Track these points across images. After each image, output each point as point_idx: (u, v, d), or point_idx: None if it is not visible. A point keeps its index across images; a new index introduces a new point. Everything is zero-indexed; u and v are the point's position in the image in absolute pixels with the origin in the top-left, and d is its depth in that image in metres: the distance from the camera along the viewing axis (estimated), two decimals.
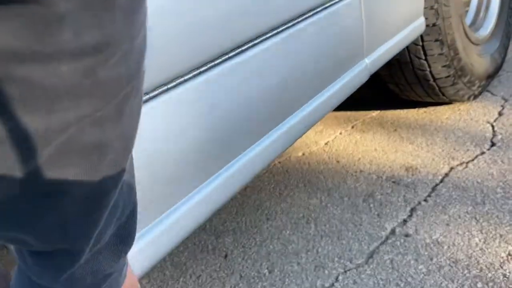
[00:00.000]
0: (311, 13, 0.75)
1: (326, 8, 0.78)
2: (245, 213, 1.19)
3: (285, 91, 0.74)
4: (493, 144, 1.22)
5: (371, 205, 1.10)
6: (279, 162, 1.39)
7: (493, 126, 1.31)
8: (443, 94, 1.35)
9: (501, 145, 1.21)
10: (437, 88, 1.32)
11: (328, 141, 1.45)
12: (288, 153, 1.43)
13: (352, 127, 1.51)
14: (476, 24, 1.47)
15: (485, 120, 1.34)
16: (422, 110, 1.49)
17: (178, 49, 0.55)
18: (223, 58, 0.61)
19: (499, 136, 1.25)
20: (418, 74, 1.28)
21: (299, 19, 0.73)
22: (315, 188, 1.23)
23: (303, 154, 1.41)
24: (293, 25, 0.72)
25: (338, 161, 1.32)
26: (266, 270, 0.99)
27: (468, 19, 1.48)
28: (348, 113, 1.59)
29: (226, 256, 1.06)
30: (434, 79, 1.29)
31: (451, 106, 1.45)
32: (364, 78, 0.92)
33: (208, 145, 0.61)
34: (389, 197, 1.11)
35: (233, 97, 0.64)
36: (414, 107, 1.50)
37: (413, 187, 1.13)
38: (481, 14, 1.50)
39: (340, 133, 1.48)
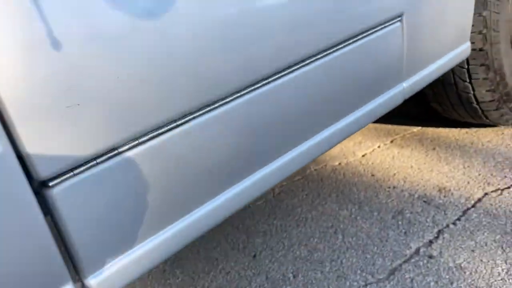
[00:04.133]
0: (354, 39, 0.79)
1: (369, 34, 0.82)
2: (277, 216, 1.25)
3: (322, 109, 0.79)
4: None
5: (400, 222, 1.13)
6: (315, 170, 1.44)
7: None
8: (486, 118, 1.34)
9: None
10: (480, 111, 1.31)
11: (365, 153, 1.48)
12: (325, 162, 1.47)
13: (392, 141, 1.52)
14: None
15: None
16: (464, 130, 1.48)
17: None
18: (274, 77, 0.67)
19: None
20: (462, 96, 1.28)
21: (343, 45, 0.78)
22: (347, 199, 1.27)
23: (340, 164, 1.44)
24: (337, 50, 0.77)
25: (373, 175, 1.35)
26: (291, 275, 1.04)
27: None
28: (389, 126, 1.61)
29: (255, 256, 1.12)
30: (478, 102, 1.28)
31: (494, 129, 1.44)
32: (399, 100, 0.95)
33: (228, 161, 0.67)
34: (418, 216, 1.14)
35: (276, 110, 0.70)
36: (456, 127, 1.50)
37: (444, 209, 1.14)
38: None
39: (379, 147, 1.51)
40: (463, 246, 1.01)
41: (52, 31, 0.46)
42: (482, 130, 1.45)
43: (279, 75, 0.69)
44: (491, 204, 1.13)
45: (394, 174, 1.33)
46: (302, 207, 1.27)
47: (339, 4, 0.75)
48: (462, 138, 1.44)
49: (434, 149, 1.42)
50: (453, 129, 1.50)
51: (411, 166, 1.36)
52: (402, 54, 0.90)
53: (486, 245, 1.00)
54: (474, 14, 1.12)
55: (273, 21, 0.66)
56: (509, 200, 1.13)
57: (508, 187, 1.18)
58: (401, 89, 0.94)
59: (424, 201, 1.19)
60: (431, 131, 1.53)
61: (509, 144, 1.36)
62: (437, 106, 1.40)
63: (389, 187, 1.28)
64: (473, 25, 1.13)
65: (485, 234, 1.03)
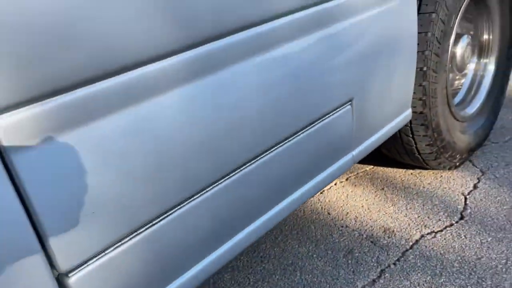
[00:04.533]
0: (311, 125, 0.96)
1: (324, 119, 0.99)
2: (243, 252, 1.41)
3: (283, 184, 0.95)
4: (462, 217, 1.42)
5: (349, 261, 1.31)
6: None
7: (466, 199, 1.50)
8: (427, 164, 1.55)
9: (468, 220, 1.41)
10: (421, 159, 1.52)
11: (323, 191, 1.66)
12: None
13: (347, 179, 1.71)
14: (465, 102, 1.66)
15: (461, 191, 1.54)
16: (409, 171, 1.69)
17: None
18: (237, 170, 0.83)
19: (469, 210, 1.45)
20: (406, 148, 1.48)
21: (301, 132, 0.94)
22: (306, 237, 1.44)
23: None
24: (297, 136, 0.94)
25: (329, 213, 1.53)
26: None
27: (459, 98, 1.67)
28: None
29: None
30: (419, 153, 1.48)
31: (435, 171, 1.65)
32: (349, 166, 1.13)
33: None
34: (365, 256, 1.32)
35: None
36: (403, 168, 1.70)
37: (387, 249, 1.33)
38: (472, 93, 1.68)
39: (335, 184, 1.69)
40: (400, 286, 1.21)
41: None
42: (424, 172, 1.66)
43: (248, 164, 0.85)
44: (426, 246, 1.33)
45: (347, 213, 1.52)
46: (266, 243, 1.44)
47: (300, 100, 0.91)
48: (407, 179, 1.65)
49: (382, 189, 1.62)
50: (400, 170, 1.70)
51: (362, 206, 1.55)
52: (351, 130, 1.08)
53: (418, 285, 1.20)
54: (415, 84, 1.31)
55: (244, 121, 0.81)
56: (441, 242, 1.33)
57: (441, 230, 1.38)
58: (351, 157, 1.12)
59: (371, 241, 1.38)
60: (381, 170, 1.72)
61: (445, 187, 1.57)
62: (387, 152, 1.59)
63: (342, 226, 1.46)
64: (414, 93, 1.32)
65: (419, 275, 1.23)
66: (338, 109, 1.02)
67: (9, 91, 0.53)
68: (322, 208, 1.56)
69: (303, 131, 0.95)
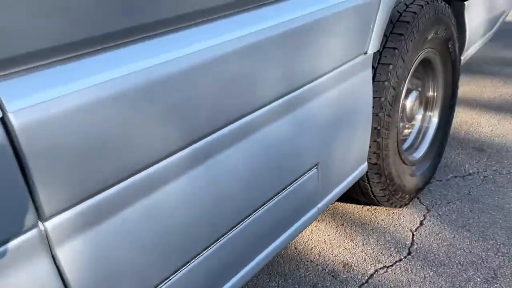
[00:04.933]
0: (281, 191, 1.14)
1: (293, 184, 1.18)
2: None
3: (259, 240, 1.13)
4: (409, 253, 1.65)
5: None
6: None
7: (413, 235, 1.73)
8: (381, 204, 1.77)
9: (414, 255, 1.64)
10: (376, 200, 1.74)
11: None
12: None
13: None
14: (413, 148, 1.90)
15: (409, 227, 1.77)
16: (365, 208, 1.91)
17: None
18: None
19: (415, 246, 1.68)
20: (363, 191, 1.70)
21: (275, 197, 1.13)
22: (275, 271, 1.62)
23: None
24: (270, 202, 1.12)
25: (296, 248, 1.73)
26: None
27: (407, 143, 1.90)
28: None
29: None
30: (374, 196, 1.70)
31: (388, 209, 1.88)
32: (315, 218, 1.32)
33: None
34: None
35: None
36: (361, 204, 1.92)
37: (346, 284, 1.54)
38: (419, 139, 1.93)
39: None
40: None
41: None
42: (379, 209, 1.89)
43: (235, 228, 1.02)
44: (378, 281, 1.54)
45: (311, 248, 1.71)
46: None
47: (275, 172, 1.09)
48: (364, 216, 1.86)
49: (342, 224, 1.83)
50: (358, 207, 1.92)
51: (324, 241, 1.75)
52: (317, 188, 1.27)
53: None
54: (371, 141, 1.52)
55: (233, 194, 0.99)
56: (392, 276, 1.55)
57: (392, 265, 1.60)
58: (317, 210, 1.31)
59: (332, 276, 1.58)
60: (341, 207, 1.94)
61: (396, 224, 1.80)
62: (351, 193, 1.81)
63: (307, 261, 1.65)
64: (370, 148, 1.54)
65: None
66: (306, 173, 1.21)
67: (63, 199, 0.68)
68: (289, 243, 1.75)
69: (278, 195, 1.13)
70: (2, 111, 0.61)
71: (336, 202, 1.96)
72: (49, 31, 0.64)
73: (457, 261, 1.58)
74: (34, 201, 0.66)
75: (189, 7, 0.83)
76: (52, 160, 0.66)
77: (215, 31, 0.88)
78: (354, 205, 1.93)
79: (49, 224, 0.69)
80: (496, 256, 1.58)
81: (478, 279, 1.50)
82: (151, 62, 0.77)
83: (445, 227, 1.75)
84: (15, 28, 0.61)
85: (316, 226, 1.83)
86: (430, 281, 1.51)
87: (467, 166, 2.13)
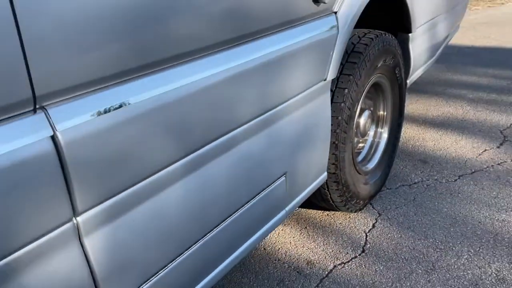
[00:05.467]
0: (255, 196, 1.36)
1: (264, 190, 1.40)
2: None
3: (235, 239, 1.34)
4: (363, 251, 1.90)
5: None
6: None
7: (366, 235, 1.99)
8: (339, 209, 2.02)
9: (368, 253, 1.89)
10: (334, 205, 1.98)
11: None
12: None
13: None
14: (366, 160, 2.17)
15: (363, 229, 2.03)
16: (325, 213, 2.15)
17: None
18: None
19: (368, 245, 1.93)
20: (323, 198, 1.94)
21: (250, 201, 1.34)
22: (247, 269, 1.83)
23: None
24: (245, 205, 1.33)
25: (265, 249, 1.94)
26: None
27: (361, 156, 2.17)
28: None
29: None
30: (333, 201, 1.95)
31: (345, 213, 2.13)
32: (284, 219, 1.55)
33: None
34: (293, 284, 1.74)
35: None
36: (321, 210, 2.16)
37: (309, 278, 1.76)
38: (371, 152, 2.20)
39: None
40: None
41: None
42: (337, 214, 2.14)
43: (216, 226, 1.23)
44: (337, 274, 1.78)
45: (279, 249, 1.93)
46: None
47: (251, 181, 1.31)
48: (324, 219, 2.11)
49: (305, 228, 2.06)
50: (319, 212, 2.16)
51: (290, 242, 1.97)
52: (285, 194, 1.50)
53: None
54: (330, 153, 1.77)
55: (216, 198, 1.19)
56: (348, 271, 1.79)
57: (348, 261, 1.85)
58: (284, 213, 1.53)
59: (297, 272, 1.80)
60: (304, 212, 2.17)
61: (352, 226, 2.05)
62: (312, 198, 2.04)
63: (276, 259, 1.87)
64: (329, 160, 1.79)
65: None
66: (276, 181, 1.43)
67: (91, 199, 0.87)
68: (259, 244, 1.97)
69: (252, 199, 1.34)
70: (53, 130, 0.79)
71: (300, 209, 2.19)
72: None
73: (403, 257, 1.85)
74: (71, 200, 0.84)
75: (182, 48, 1.03)
76: (86, 168, 0.85)
77: (204, 67, 1.09)
78: (315, 211, 2.17)
79: (80, 219, 0.88)
80: (435, 252, 1.86)
81: (420, 271, 1.76)
82: (155, 92, 0.97)
83: (394, 228, 2.02)
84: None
85: (282, 230, 2.05)
86: (380, 274, 1.76)
87: (413, 176, 2.43)
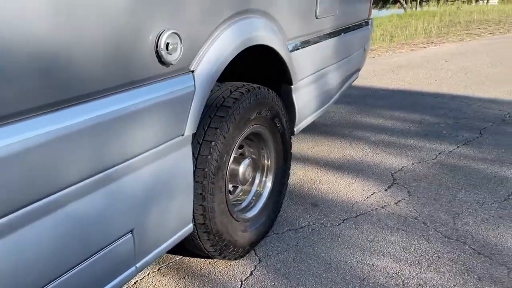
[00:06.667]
0: (93, 255, 1.35)
1: (105, 248, 1.39)
2: None
3: None
4: None
5: None
6: None
7: (241, 284, 2.01)
8: (215, 257, 2.03)
9: None
10: (210, 255, 2.00)
11: (136, 281, 2.03)
12: None
13: (158, 269, 2.12)
14: (248, 208, 2.22)
15: (240, 278, 2.04)
16: (208, 261, 2.16)
17: None
18: None
19: None
20: (198, 247, 1.95)
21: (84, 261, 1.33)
22: None
23: None
24: (78, 265, 1.32)
25: None
26: None
27: (244, 204, 2.22)
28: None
29: None
30: (207, 251, 1.96)
31: (226, 261, 2.14)
32: (133, 276, 1.54)
33: None
34: None
35: None
36: (203, 257, 2.17)
37: None
38: (255, 199, 2.25)
39: (148, 274, 2.08)
40: None
41: None
42: (218, 262, 2.15)
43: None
44: None
45: None
46: None
47: (89, 238, 1.30)
48: (204, 268, 2.11)
49: (184, 278, 2.05)
50: (201, 260, 2.16)
51: None
52: (132, 251, 1.50)
53: None
54: (197, 204, 1.80)
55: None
56: None
57: None
58: (134, 269, 1.53)
59: None
60: (186, 260, 2.17)
61: (230, 275, 2.06)
62: (190, 247, 2.05)
63: None
64: (196, 210, 1.81)
65: None
66: (120, 238, 1.43)
67: None
68: None
69: (90, 258, 1.33)
70: None
71: (183, 257, 2.19)
72: None
73: None
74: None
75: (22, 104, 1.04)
76: None
77: (20, 130, 1.10)
78: (198, 259, 2.17)
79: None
80: None
81: None
82: None
83: (270, 276, 2.06)
84: None
85: (160, 281, 2.04)
86: None
87: (301, 219, 2.49)
